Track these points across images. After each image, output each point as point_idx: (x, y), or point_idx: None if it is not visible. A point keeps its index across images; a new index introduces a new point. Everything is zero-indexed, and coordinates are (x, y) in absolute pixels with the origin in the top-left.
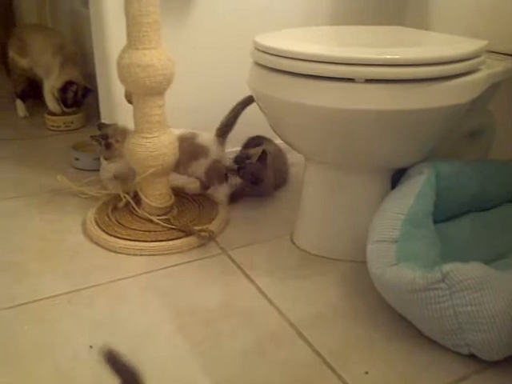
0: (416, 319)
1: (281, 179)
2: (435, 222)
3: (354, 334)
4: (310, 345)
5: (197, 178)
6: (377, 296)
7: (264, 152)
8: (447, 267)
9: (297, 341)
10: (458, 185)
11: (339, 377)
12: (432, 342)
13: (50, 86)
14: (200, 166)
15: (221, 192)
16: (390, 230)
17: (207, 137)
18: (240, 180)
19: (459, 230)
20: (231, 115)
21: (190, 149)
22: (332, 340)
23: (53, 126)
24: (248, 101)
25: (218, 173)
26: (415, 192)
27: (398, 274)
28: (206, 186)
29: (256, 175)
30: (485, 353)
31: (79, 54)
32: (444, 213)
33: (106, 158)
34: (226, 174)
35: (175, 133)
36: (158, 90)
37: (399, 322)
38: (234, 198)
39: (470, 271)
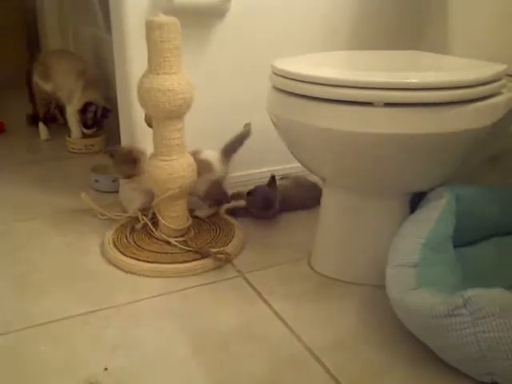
0: (437, 346)
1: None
2: (455, 246)
3: (373, 360)
4: (328, 371)
5: (198, 197)
6: (397, 321)
7: (273, 177)
8: (468, 293)
9: (314, 366)
10: (478, 209)
11: None
12: (453, 370)
13: (73, 111)
14: (203, 183)
15: (206, 210)
16: (409, 254)
17: (211, 153)
18: (249, 205)
19: (480, 255)
20: (238, 137)
21: None
22: (351, 366)
23: (74, 149)
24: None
25: (219, 193)
26: (435, 216)
27: (417, 299)
28: (213, 204)
29: (267, 200)
30: (508, 381)
31: (101, 78)
32: (464, 237)
33: (127, 177)
34: (227, 196)
35: None
36: (177, 114)
37: (420, 349)
38: (237, 213)
39: (492, 297)
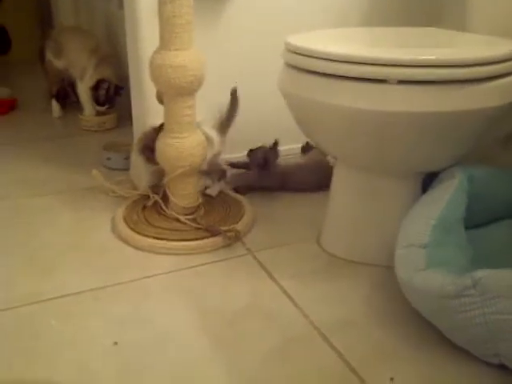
0: (445, 327)
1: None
2: (467, 227)
3: (382, 340)
4: (335, 349)
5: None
6: (405, 302)
7: (276, 141)
8: (478, 273)
9: (321, 345)
10: (490, 190)
11: (363, 382)
12: (461, 351)
13: (85, 89)
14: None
15: (215, 188)
16: (419, 235)
17: (210, 127)
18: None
19: (491, 237)
20: (230, 109)
21: None
22: (357, 345)
23: (86, 126)
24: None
25: (218, 167)
26: (446, 197)
27: (426, 279)
28: (218, 178)
29: (265, 159)
30: None
31: (113, 55)
32: (476, 219)
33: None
34: (224, 170)
35: None
36: (188, 91)
37: (428, 329)
38: (242, 189)
39: (502, 278)
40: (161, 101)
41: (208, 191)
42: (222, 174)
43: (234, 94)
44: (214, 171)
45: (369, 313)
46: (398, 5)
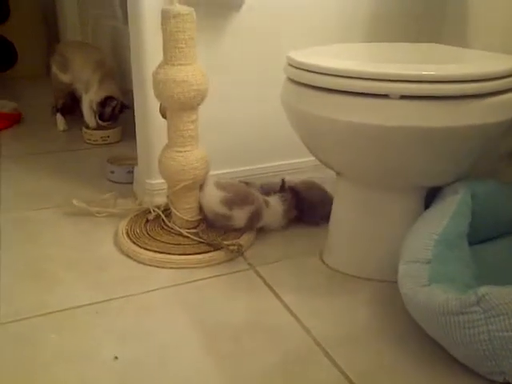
0: (448, 343)
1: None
2: (470, 243)
3: (383, 355)
4: (337, 365)
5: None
6: (408, 318)
7: (283, 180)
8: (482, 290)
9: (323, 361)
10: (494, 206)
11: None
12: (465, 368)
13: (89, 101)
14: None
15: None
16: (422, 250)
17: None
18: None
19: (496, 253)
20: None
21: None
22: (360, 361)
23: (90, 140)
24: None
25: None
26: (450, 212)
27: (429, 295)
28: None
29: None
30: None
31: (118, 70)
32: (479, 234)
33: None
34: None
35: None
36: (191, 105)
37: (431, 346)
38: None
39: (506, 295)
40: (164, 115)
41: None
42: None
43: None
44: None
45: (371, 328)
46: (399, 21)
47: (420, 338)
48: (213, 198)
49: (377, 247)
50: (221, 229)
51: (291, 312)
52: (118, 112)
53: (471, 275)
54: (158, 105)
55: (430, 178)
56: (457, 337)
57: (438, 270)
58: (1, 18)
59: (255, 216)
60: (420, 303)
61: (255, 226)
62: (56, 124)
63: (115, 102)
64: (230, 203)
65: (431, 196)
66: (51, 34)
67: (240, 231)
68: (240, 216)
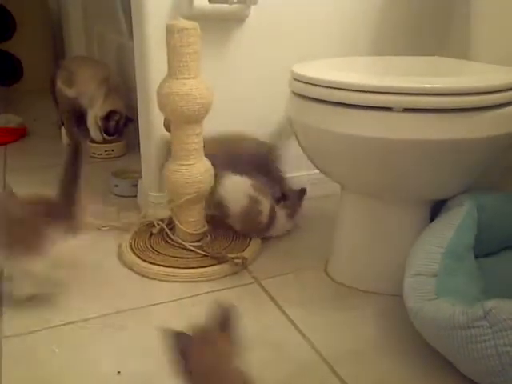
0: (455, 358)
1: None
2: (476, 256)
3: (388, 370)
4: (343, 381)
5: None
6: (414, 332)
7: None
8: (489, 304)
9: (329, 377)
10: (500, 218)
11: None
12: (471, 383)
13: (94, 116)
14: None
15: (266, 206)
16: (428, 263)
17: (279, 207)
18: None
19: (502, 266)
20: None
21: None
22: (366, 377)
23: (94, 154)
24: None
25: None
26: (455, 225)
27: (436, 309)
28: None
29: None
30: None
31: (123, 85)
32: (486, 247)
33: None
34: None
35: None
36: (195, 119)
37: (438, 361)
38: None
39: None
40: (168, 129)
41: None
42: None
43: (302, 194)
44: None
45: (377, 343)
46: (402, 34)
47: (426, 352)
48: (242, 183)
49: (382, 260)
50: (246, 223)
51: (296, 326)
52: (122, 126)
53: (478, 288)
54: (162, 119)
55: (434, 191)
56: (464, 351)
57: (444, 283)
58: (7, 34)
59: (273, 209)
60: (426, 317)
61: (273, 223)
62: (61, 138)
63: (118, 116)
64: (258, 189)
65: (436, 208)
66: (57, 50)
67: (262, 229)
68: (265, 205)
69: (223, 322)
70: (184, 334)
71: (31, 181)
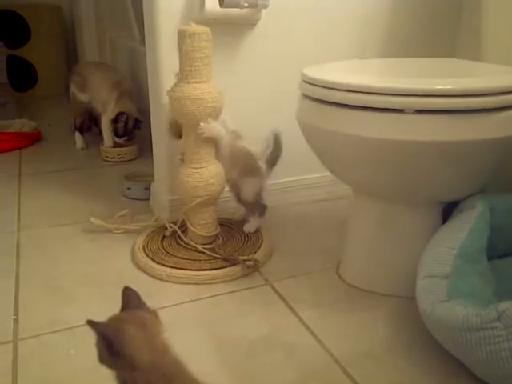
0: (469, 360)
1: None
2: (489, 258)
3: (402, 373)
4: (355, 382)
5: (238, 200)
6: (427, 334)
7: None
8: (503, 305)
9: (341, 377)
10: None
11: None
12: None
13: (107, 121)
14: (252, 186)
15: (253, 225)
16: (441, 265)
17: (262, 160)
18: None
19: None
20: (276, 151)
21: (245, 162)
22: (379, 379)
23: (107, 157)
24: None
25: (261, 201)
26: (468, 226)
27: (449, 311)
28: (261, 212)
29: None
30: None
31: (135, 90)
32: (498, 249)
33: None
34: (265, 206)
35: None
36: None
37: (451, 363)
38: None
39: None
40: (173, 134)
41: (246, 228)
42: (262, 210)
43: (277, 138)
44: (256, 206)
45: (389, 345)
46: (414, 36)
47: (439, 354)
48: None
49: (394, 262)
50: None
51: (308, 328)
52: (131, 127)
53: (492, 290)
54: (167, 123)
55: (446, 193)
56: (477, 353)
57: (457, 285)
58: (22, 41)
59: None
60: (439, 319)
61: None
62: (74, 142)
63: (125, 117)
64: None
65: (449, 210)
66: (70, 55)
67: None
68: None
69: (135, 303)
70: (106, 323)
71: (45, 185)
